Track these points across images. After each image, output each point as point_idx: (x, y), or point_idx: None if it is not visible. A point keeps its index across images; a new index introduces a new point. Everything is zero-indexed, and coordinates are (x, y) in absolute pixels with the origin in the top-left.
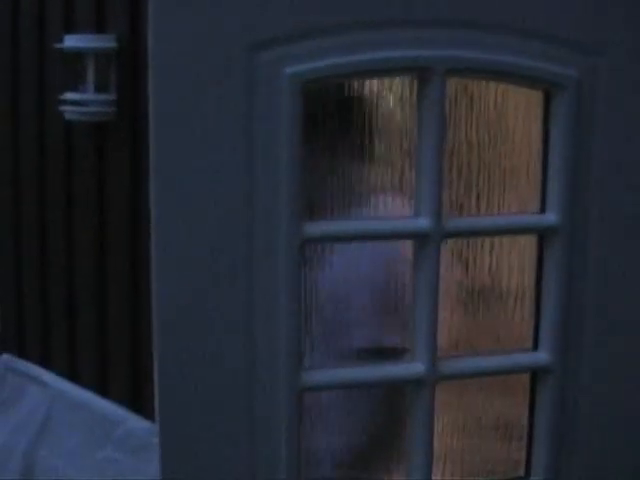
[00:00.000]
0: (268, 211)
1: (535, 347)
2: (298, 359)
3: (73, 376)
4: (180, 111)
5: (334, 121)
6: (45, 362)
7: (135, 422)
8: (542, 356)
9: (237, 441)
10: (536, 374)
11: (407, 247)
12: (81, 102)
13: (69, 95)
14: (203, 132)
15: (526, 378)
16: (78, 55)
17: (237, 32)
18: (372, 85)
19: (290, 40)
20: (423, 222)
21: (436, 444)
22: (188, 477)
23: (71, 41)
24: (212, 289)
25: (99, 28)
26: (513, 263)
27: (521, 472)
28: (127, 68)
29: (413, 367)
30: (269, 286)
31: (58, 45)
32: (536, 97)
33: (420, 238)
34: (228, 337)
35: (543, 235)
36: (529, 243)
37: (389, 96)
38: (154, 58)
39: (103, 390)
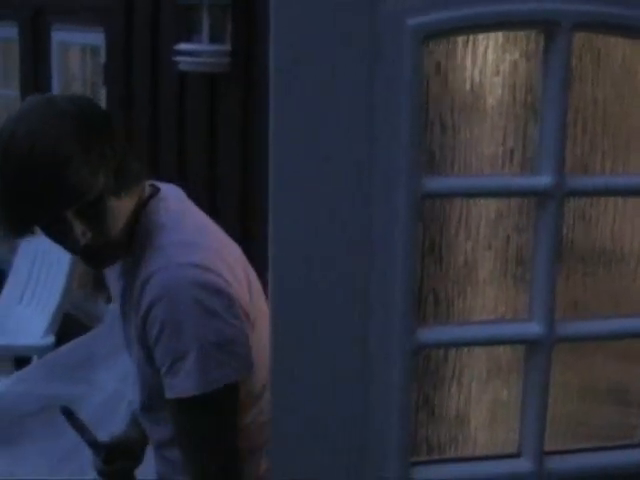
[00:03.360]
0: (388, 164)
1: None
2: (413, 316)
3: None
4: (299, 61)
5: (456, 75)
6: None
7: None
8: None
9: (350, 399)
10: None
11: None
12: (195, 53)
13: (183, 46)
14: (323, 83)
15: None
16: (193, 6)
17: None
18: (496, 38)
19: None
20: (545, 179)
21: (552, 407)
22: (298, 436)
23: None
24: (328, 245)
25: None
26: (638, 225)
27: (637, 439)
28: (242, 19)
29: (529, 327)
30: (387, 241)
31: None
32: None
33: (541, 196)
34: (343, 292)
35: None
36: None
37: (513, 50)
38: (275, 8)
39: None
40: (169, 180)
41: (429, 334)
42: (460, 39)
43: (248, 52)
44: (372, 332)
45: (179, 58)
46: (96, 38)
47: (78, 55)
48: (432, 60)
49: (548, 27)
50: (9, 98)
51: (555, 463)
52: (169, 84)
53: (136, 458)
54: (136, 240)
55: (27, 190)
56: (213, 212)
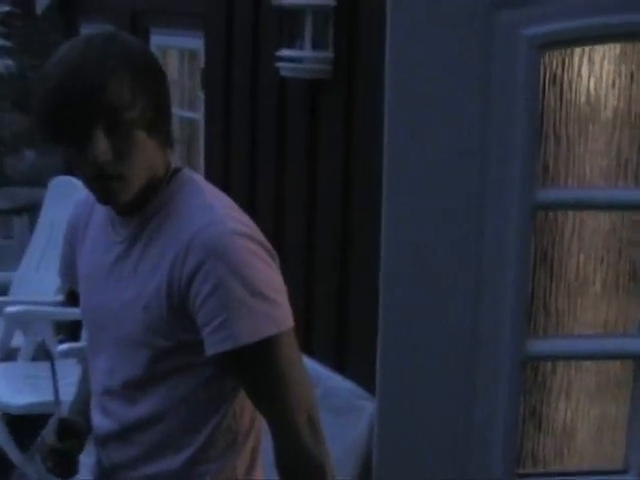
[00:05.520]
0: (502, 174)
1: None
2: (524, 326)
3: None
4: (414, 72)
5: (572, 86)
6: None
7: (337, 381)
8: None
9: (457, 408)
10: None
11: None
12: (297, 59)
13: (285, 52)
14: (437, 93)
15: None
16: (296, 11)
17: None
18: (613, 48)
19: (530, 2)
20: None
21: None
22: (403, 442)
23: None
24: (441, 250)
25: None
26: None
27: None
28: (345, 26)
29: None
30: (499, 251)
31: (276, 1)
32: None
33: None
34: (454, 303)
35: None
36: None
37: (629, 61)
38: (392, 14)
39: (306, 348)
40: (268, 186)
41: (539, 345)
42: (577, 49)
43: (350, 59)
44: (482, 342)
45: (280, 64)
46: (195, 42)
47: (176, 59)
48: (548, 71)
49: None
50: None
51: None
52: (269, 90)
53: (83, 445)
54: (164, 201)
55: (69, 94)
56: (311, 220)
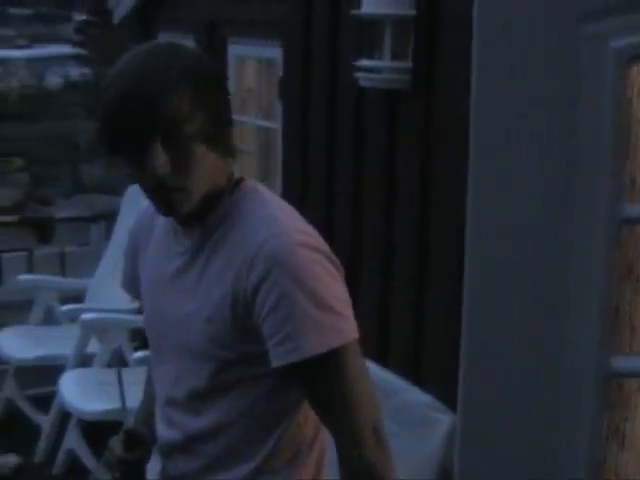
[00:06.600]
0: (588, 187)
1: None
2: (608, 342)
3: None
4: (501, 81)
5: None
6: None
7: (414, 394)
8: None
9: (540, 424)
10: None
11: None
12: (376, 69)
13: (364, 62)
14: (523, 104)
15: None
16: (375, 21)
17: (564, 3)
18: None
19: (617, 12)
20: None
21: None
22: (485, 458)
23: (369, 7)
24: (526, 265)
25: None
26: None
27: None
28: (424, 36)
29: None
30: (584, 265)
31: (355, 11)
32: None
33: None
34: (537, 318)
35: None
36: None
37: None
38: (478, 28)
39: (383, 360)
40: (346, 197)
41: (623, 362)
42: None
43: (430, 69)
44: (566, 357)
45: (359, 74)
46: (273, 52)
47: (254, 68)
48: (635, 82)
49: None
50: None
51: None
52: (347, 100)
53: (149, 455)
54: (227, 211)
55: (130, 103)
56: (390, 230)
